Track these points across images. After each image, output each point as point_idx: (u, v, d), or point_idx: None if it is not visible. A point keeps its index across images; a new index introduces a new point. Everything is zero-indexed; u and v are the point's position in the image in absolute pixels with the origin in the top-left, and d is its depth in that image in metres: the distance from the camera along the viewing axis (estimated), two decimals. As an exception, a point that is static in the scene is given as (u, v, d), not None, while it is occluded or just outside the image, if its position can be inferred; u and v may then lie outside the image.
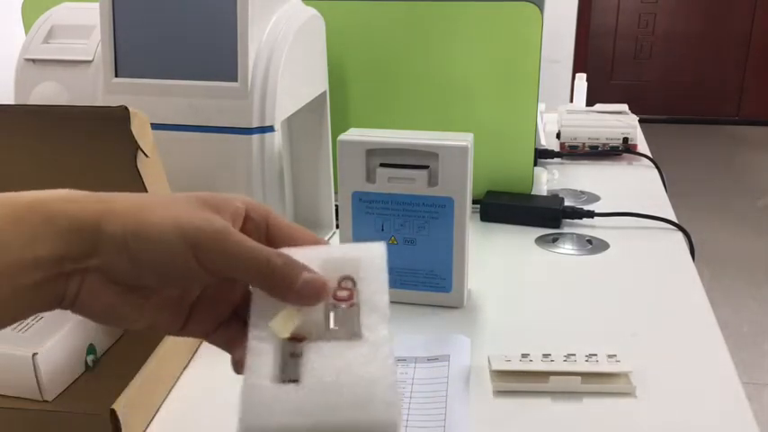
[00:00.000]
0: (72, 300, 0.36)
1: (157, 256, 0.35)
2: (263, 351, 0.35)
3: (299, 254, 0.38)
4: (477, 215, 1.03)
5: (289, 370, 0.34)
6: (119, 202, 0.36)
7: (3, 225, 0.34)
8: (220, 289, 0.40)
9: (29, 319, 0.68)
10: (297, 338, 0.35)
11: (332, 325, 0.36)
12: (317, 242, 0.40)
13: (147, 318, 0.38)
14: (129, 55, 0.79)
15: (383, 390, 0.33)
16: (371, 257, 0.39)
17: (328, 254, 0.38)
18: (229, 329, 0.41)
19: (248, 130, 0.77)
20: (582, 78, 1.55)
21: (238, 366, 0.38)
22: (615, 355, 0.67)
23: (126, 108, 0.62)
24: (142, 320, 0.38)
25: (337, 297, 0.37)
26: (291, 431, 0.32)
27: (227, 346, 0.40)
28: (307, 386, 0.33)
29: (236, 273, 0.37)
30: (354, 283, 0.37)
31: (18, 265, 0.34)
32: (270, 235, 0.40)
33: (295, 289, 0.36)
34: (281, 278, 0.36)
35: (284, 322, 0.35)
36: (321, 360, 0.34)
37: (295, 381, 0.33)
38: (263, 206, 0.40)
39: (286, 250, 0.38)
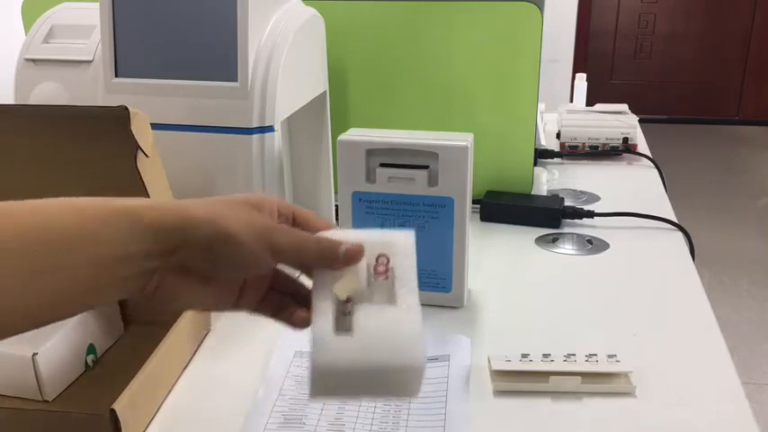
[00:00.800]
0: (152, 290, 0.43)
1: (239, 256, 0.43)
2: (324, 311, 0.44)
3: (345, 236, 0.47)
4: (478, 215, 1.03)
5: (342, 324, 0.44)
6: (195, 210, 0.43)
7: (99, 226, 0.40)
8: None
9: (29, 319, 0.68)
10: (346, 301, 0.45)
11: (373, 292, 0.46)
12: (330, 226, 0.49)
13: (209, 301, 0.46)
14: (129, 55, 0.79)
15: (413, 343, 0.43)
16: (403, 242, 0.48)
17: (368, 237, 0.47)
18: (271, 301, 0.50)
19: (248, 130, 0.77)
20: (582, 78, 1.55)
21: (299, 323, 0.48)
22: (615, 355, 0.67)
23: (126, 108, 0.62)
24: (205, 304, 0.47)
25: (376, 271, 0.46)
26: (348, 369, 0.43)
27: (272, 314, 0.49)
28: (358, 338, 0.43)
29: (301, 258, 0.46)
30: (388, 260, 0.47)
31: (114, 259, 0.41)
32: (295, 224, 0.49)
33: (340, 257, 0.45)
34: (330, 253, 0.45)
35: (342, 288, 0.45)
36: (367, 319, 0.44)
37: (348, 331, 0.43)
38: (286, 202, 0.50)
39: (330, 233, 0.47)
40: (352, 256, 0.46)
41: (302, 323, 0.47)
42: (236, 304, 0.48)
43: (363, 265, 0.46)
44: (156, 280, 0.43)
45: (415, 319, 0.44)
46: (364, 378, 0.43)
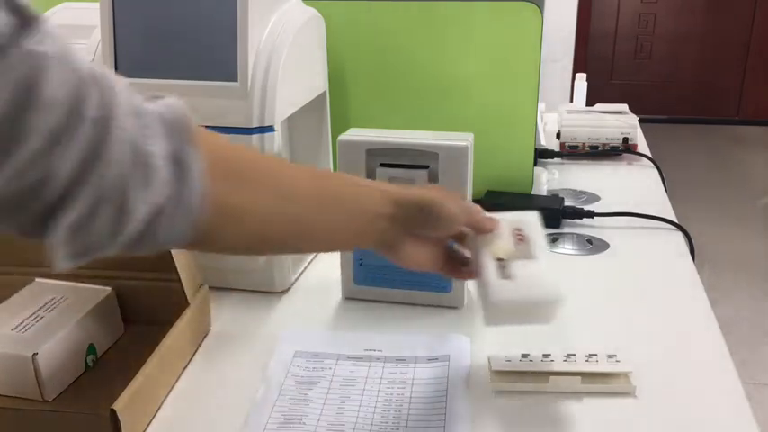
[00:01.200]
0: (390, 245, 0.62)
1: (443, 215, 0.62)
2: (490, 266, 0.62)
3: (491, 215, 0.66)
4: (477, 215, 1.03)
5: (501, 275, 0.62)
6: (413, 189, 0.63)
7: (365, 193, 0.60)
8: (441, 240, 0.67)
9: (29, 319, 0.68)
10: (500, 259, 0.63)
11: (517, 253, 0.64)
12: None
13: (420, 258, 0.64)
14: (129, 55, 0.79)
15: (554, 282, 0.61)
16: (532, 218, 0.67)
17: (509, 216, 0.66)
18: (447, 263, 0.66)
19: (248, 130, 0.77)
20: (582, 78, 1.55)
21: (468, 276, 0.67)
22: (615, 355, 0.67)
23: (126, 108, 0.62)
24: (417, 261, 0.64)
25: (517, 239, 0.65)
26: (513, 302, 0.60)
27: (448, 272, 0.67)
28: (516, 281, 0.61)
29: (473, 218, 0.64)
30: (522, 230, 0.65)
31: (374, 216, 0.59)
32: None
33: (488, 222, 0.65)
34: (484, 218, 0.65)
35: (499, 250, 0.63)
36: (520, 270, 0.62)
37: (508, 278, 0.61)
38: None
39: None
40: (494, 222, 0.65)
41: (470, 276, 0.66)
42: (433, 264, 0.65)
43: (508, 234, 0.65)
44: (394, 237, 0.61)
45: (549, 268, 0.63)
46: (521, 309, 0.61)
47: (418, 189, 0.63)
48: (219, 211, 0.50)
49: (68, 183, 0.42)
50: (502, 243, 0.64)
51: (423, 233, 0.63)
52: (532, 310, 0.62)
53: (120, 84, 0.46)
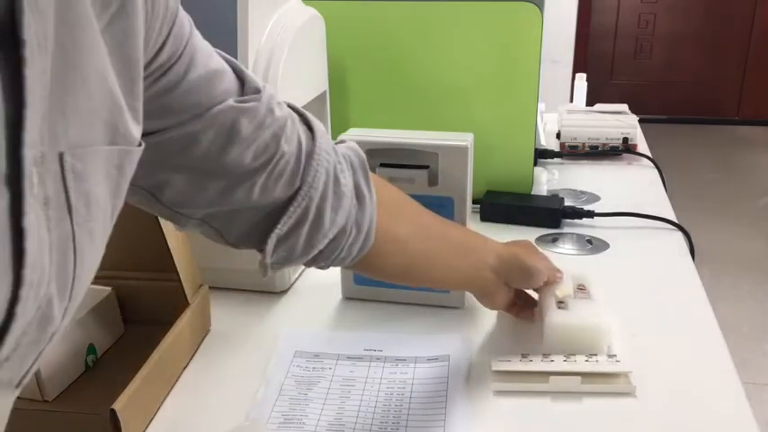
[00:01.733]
0: (490, 292, 0.71)
1: (531, 271, 0.70)
2: (551, 303, 0.70)
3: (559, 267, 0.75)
4: (477, 215, 1.03)
5: (559, 308, 0.70)
6: (506, 246, 0.71)
7: (478, 248, 0.69)
8: None
9: (29, 319, 0.68)
10: (561, 301, 0.71)
11: (575, 295, 0.73)
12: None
13: (504, 302, 0.72)
14: (129, 55, 0.79)
15: (603, 316, 0.70)
16: (592, 275, 0.76)
17: (569, 272, 0.75)
18: (514, 304, 0.74)
19: (248, 130, 0.77)
20: (582, 78, 1.55)
21: (528, 317, 0.74)
22: (615, 355, 0.67)
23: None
24: (501, 304, 0.73)
25: (578, 290, 0.74)
26: (568, 327, 0.69)
27: (516, 313, 0.75)
28: (573, 314, 0.69)
29: (548, 273, 0.71)
30: (583, 284, 0.75)
31: (483, 265, 0.68)
32: None
33: (557, 276, 0.72)
34: (556, 272, 0.73)
35: (561, 292, 0.72)
36: (575, 304, 0.71)
37: (564, 310, 0.70)
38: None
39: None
40: (558, 276, 0.72)
41: (528, 317, 0.74)
42: (509, 307, 0.74)
43: (570, 283, 0.74)
44: (495, 287, 0.70)
45: (602, 306, 0.71)
46: (575, 334, 0.68)
47: (513, 246, 0.72)
48: (383, 238, 0.60)
49: (283, 202, 0.52)
50: (564, 287, 0.73)
51: (514, 284, 0.71)
52: (582, 337, 0.68)
53: (320, 127, 0.55)
